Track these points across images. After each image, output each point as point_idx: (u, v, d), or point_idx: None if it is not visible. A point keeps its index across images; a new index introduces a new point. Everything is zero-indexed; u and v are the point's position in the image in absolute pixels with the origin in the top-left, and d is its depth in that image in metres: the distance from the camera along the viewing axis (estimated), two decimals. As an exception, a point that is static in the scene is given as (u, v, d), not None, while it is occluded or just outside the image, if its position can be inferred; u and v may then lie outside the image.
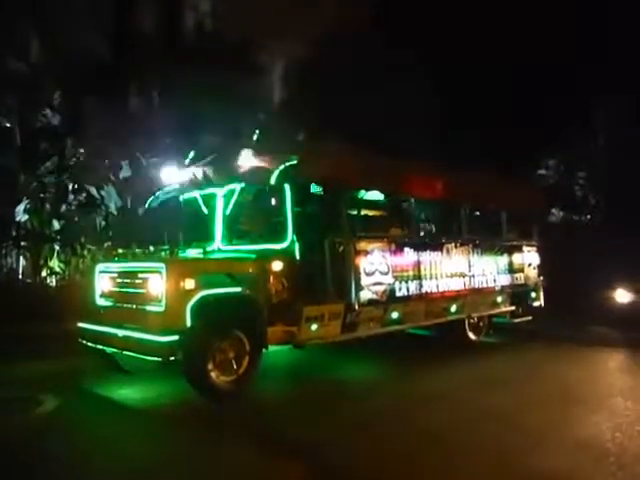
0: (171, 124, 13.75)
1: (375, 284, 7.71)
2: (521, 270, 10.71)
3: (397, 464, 4.40)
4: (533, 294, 10.94)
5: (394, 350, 8.77)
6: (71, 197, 13.80)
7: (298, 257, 6.75)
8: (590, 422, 5.35)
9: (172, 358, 5.99)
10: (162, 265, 6.14)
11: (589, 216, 20.74)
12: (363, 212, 8.21)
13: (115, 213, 14.08)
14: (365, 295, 7.56)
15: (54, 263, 13.02)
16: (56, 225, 13.52)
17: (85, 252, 12.83)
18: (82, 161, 13.82)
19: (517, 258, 10.64)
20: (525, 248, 10.89)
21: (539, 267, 11.17)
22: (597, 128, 19.32)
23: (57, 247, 13.28)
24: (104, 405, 6.32)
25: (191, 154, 8.21)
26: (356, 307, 7.38)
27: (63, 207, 13.69)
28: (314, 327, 6.85)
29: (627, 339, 9.74)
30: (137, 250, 7.87)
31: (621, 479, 4.04)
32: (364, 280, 7.56)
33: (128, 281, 6.66)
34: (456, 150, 14.30)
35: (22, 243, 13.25)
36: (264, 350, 6.55)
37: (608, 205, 19.10)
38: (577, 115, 18.00)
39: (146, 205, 8.61)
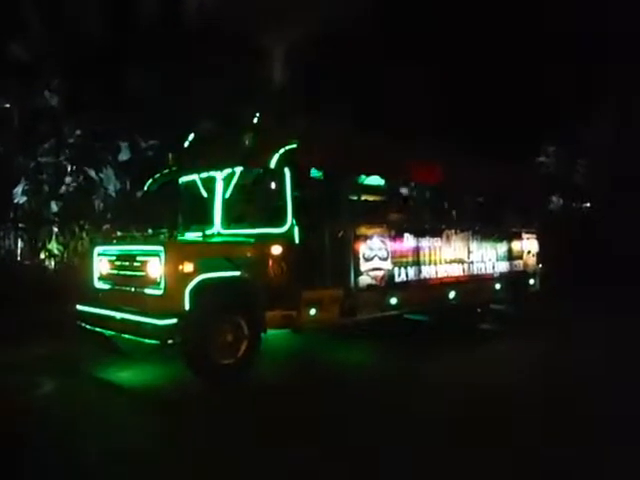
0: (171, 106, 13.64)
1: (374, 269, 7.72)
2: (520, 257, 10.74)
3: (399, 448, 4.41)
4: (532, 281, 10.98)
5: (392, 335, 8.80)
6: (69, 179, 13.72)
7: (297, 241, 6.74)
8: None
9: (170, 341, 6.00)
10: (161, 248, 6.13)
11: (588, 204, 20.73)
12: (363, 197, 8.18)
13: (114, 196, 14.02)
14: (364, 280, 7.57)
15: (52, 245, 12.98)
16: (54, 207, 13.47)
17: (84, 234, 12.78)
18: (80, 143, 13.73)
19: (516, 245, 10.66)
20: (524, 235, 10.91)
21: (538, 254, 11.20)
22: (599, 115, 19.23)
23: (55, 229, 13.23)
24: (103, 388, 6.35)
25: (190, 136, 8.17)
26: (355, 292, 7.40)
27: (62, 189, 13.62)
28: (313, 311, 6.86)
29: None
30: (136, 233, 7.84)
31: None
32: (363, 265, 7.56)
33: (127, 264, 6.66)
34: (456, 137, 14.24)
35: (20, 225, 13.20)
36: (263, 334, 6.57)
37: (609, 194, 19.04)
38: (578, 102, 17.91)
39: (145, 188, 8.57)
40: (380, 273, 7.82)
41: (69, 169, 13.75)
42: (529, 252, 11.00)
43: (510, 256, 10.47)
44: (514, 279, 10.43)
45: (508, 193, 10.45)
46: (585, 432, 4.70)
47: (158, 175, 8.29)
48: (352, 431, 4.78)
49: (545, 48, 16.92)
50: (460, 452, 4.32)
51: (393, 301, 7.94)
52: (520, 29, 16.69)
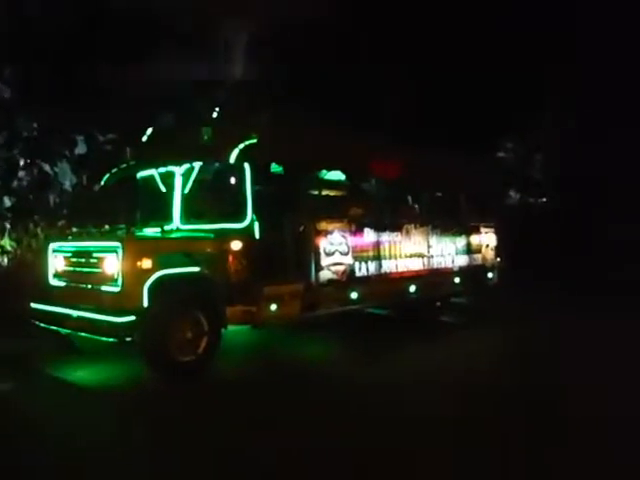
0: (129, 100, 13.39)
1: (335, 264, 7.76)
2: (479, 251, 10.95)
3: (356, 445, 4.42)
4: (490, 274, 11.20)
5: (352, 330, 8.86)
6: (22, 173, 13.33)
7: (257, 237, 6.72)
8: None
9: (129, 339, 5.91)
10: (118, 244, 6.02)
11: (544, 199, 21.28)
12: (324, 192, 8.19)
13: (70, 190, 13.70)
14: (325, 275, 7.60)
15: (5, 242, 12.60)
16: (7, 202, 13.08)
17: (38, 231, 12.44)
18: (34, 136, 13.35)
19: (475, 239, 10.86)
20: (483, 229, 11.11)
21: (496, 248, 11.43)
22: (551, 112, 19.78)
23: (8, 225, 12.86)
24: (59, 387, 6.20)
25: (149, 131, 8.04)
26: (316, 287, 7.41)
27: (14, 183, 13.23)
28: (273, 307, 6.85)
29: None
30: (92, 229, 7.68)
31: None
32: (324, 260, 7.59)
33: (83, 261, 6.53)
34: (415, 132, 14.38)
35: (-30, 221, 12.78)
36: (223, 330, 6.53)
37: (561, 189, 19.63)
38: (533, 98, 18.35)
39: (102, 183, 8.40)
40: (341, 268, 7.86)
41: (22, 163, 13.35)
42: (487, 246, 11.22)
43: (469, 250, 10.66)
44: (473, 272, 10.62)
45: (466, 187, 10.62)
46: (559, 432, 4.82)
47: (116, 170, 8.14)
48: (318, 431, 4.71)
49: (500, 47, 17.22)
50: (424, 449, 4.38)
51: (354, 295, 7.99)
52: (475, 29, 16.95)
